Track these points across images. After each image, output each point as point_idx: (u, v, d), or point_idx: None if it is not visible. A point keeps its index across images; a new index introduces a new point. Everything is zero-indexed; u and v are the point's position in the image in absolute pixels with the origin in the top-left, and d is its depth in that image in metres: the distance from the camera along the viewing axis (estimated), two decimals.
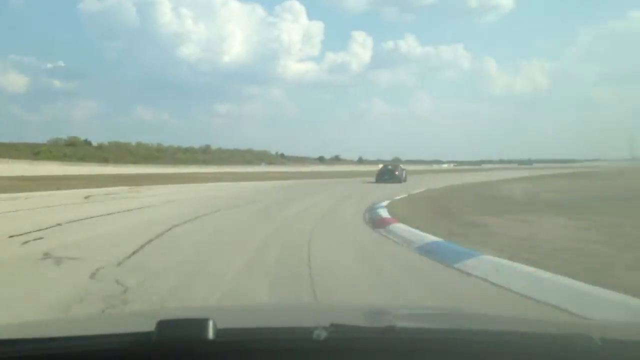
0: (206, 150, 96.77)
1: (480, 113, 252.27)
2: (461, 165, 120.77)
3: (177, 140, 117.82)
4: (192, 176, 39.48)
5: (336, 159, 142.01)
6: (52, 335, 1.27)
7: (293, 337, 1.16)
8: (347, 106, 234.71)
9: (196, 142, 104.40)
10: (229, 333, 1.13)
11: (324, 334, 1.08)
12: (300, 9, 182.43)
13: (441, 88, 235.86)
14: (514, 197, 17.63)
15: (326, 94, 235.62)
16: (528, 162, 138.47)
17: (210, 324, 1.08)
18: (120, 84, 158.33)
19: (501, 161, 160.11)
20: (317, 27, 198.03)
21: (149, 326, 1.09)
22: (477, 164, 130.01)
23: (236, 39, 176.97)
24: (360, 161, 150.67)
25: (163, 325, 1.09)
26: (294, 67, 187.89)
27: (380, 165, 38.63)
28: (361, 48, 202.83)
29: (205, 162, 77.99)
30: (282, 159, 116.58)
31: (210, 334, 1.07)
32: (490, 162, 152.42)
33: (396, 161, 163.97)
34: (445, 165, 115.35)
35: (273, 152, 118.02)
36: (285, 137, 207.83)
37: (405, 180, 32.29)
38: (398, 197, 17.22)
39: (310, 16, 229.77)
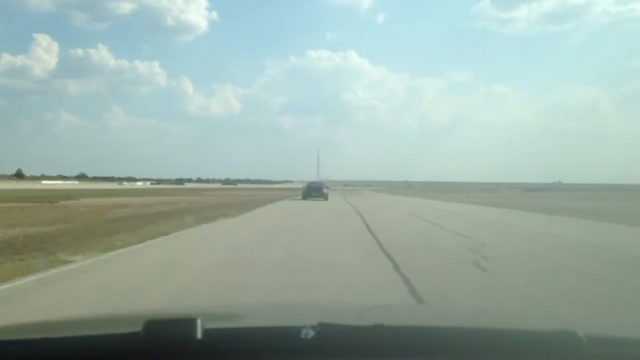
0: None
1: (176, 131, 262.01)
2: (160, 184, 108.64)
3: None
4: None
5: None
6: (40, 336, 1.28)
7: (281, 336, 1.15)
8: (27, 115, 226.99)
9: None
10: (217, 333, 1.14)
11: (311, 333, 1.08)
12: None
13: (136, 104, 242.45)
14: None
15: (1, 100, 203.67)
16: (232, 182, 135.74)
17: (198, 323, 1.07)
18: None
19: (199, 180, 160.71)
20: None
21: (136, 326, 1.08)
22: (179, 183, 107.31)
23: None
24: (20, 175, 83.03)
25: (151, 325, 1.09)
26: None
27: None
28: (46, 53, 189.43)
29: None
30: None
31: (198, 334, 1.06)
32: (189, 181, 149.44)
33: (81, 177, 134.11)
34: (139, 184, 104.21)
35: None
36: None
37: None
38: None
39: None
